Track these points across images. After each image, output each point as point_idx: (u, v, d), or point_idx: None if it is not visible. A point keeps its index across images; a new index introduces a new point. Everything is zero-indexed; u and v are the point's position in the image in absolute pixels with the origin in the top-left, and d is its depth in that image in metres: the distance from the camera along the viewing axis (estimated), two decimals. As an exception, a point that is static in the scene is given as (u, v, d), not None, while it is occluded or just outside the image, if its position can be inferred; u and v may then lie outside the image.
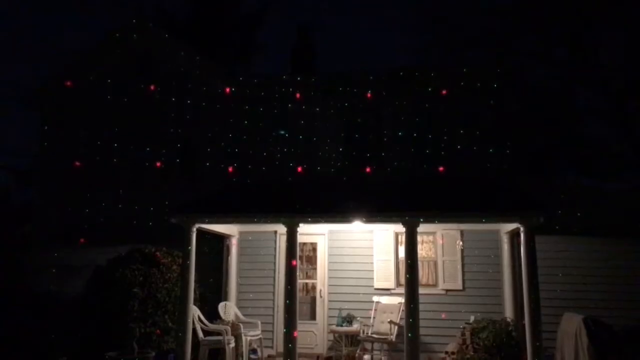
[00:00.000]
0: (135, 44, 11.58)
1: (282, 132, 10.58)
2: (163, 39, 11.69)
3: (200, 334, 8.18)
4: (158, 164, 10.83)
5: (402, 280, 8.08)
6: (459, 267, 9.12)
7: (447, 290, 9.08)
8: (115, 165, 11.04)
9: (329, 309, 9.38)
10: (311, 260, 9.84)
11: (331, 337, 9.15)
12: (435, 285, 9.18)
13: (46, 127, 11.76)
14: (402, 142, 10.20)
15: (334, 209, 7.72)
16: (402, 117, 10.28)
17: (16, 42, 49.59)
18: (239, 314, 9.22)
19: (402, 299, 7.85)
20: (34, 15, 52.37)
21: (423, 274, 9.13)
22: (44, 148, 11.81)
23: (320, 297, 9.54)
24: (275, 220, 7.88)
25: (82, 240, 10.31)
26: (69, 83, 11.48)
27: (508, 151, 9.96)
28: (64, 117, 11.60)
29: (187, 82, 11.10)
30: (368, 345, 8.61)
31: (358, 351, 8.61)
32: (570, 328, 7.20)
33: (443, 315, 8.75)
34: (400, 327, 8.10)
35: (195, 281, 8.05)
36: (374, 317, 8.81)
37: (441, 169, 9.80)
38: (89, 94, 11.48)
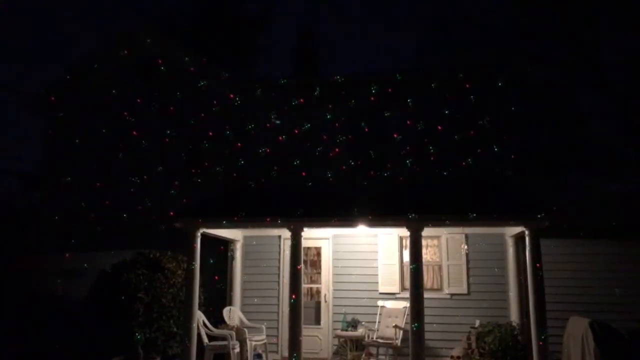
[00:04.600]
0: (139, 48, 11.61)
1: (286, 136, 10.56)
2: (167, 42, 11.73)
3: (205, 339, 8.18)
4: (163, 168, 10.86)
5: (407, 284, 8.09)
6: (464, 271, 9.10)
7: (452, 295, 9.05)
8: (120, 169, 11.06)
9: (334, 313, 9.37)
10: (315, 264, 9.83)
11: (336, 341, 9.12)
12: (440, 289, 9.16)
13: (51, 132, 11.81)
14: (406, 145, 10.16)
15: (338, 213, 7.71)
16: (406, 119, 10.25)
17: (20, 46, 49.82)
18: (244, 318, 9.22)
19: (407, 303, 7.82)
20: (37, 18, 52.59)
21: (428, 278, 9.11)
22: (48, 152, 11.87)
23: (325, 301, 9.52)
24: (279, 224, 7.88)
25: (86, 245, 10.32)
26: (73, 87, 11.52)
27: (512, 153, 9.92)
28: (69, 121, 11.63)
29: (191, 85, 11.12)
30: (373, 350, 8.60)
31: (363, 355, 8.59)
32: (577, 332, 7.17)
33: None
34: (405, 331, 8.08)
35: (200, 286, 8.07)
36: (378, 322, 8.80)
37: (445, 172, 9.77)
38: (93, 98, 11.50)
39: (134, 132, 11.13)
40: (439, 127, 9.98)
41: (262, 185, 10.25)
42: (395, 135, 10.29)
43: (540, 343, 6.82)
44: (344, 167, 10.28)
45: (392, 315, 8.69)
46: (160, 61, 11.37)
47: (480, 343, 7.93)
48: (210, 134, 10.85)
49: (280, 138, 10.52)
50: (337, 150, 10.39)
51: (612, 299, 8.32)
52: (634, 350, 6.84)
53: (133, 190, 10.85)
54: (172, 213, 8.33)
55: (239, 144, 10.63)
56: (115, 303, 7.94)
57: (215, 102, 10.91)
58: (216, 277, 9.55)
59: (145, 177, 10.92)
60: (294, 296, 7.49)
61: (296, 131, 10.48)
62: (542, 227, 7.14)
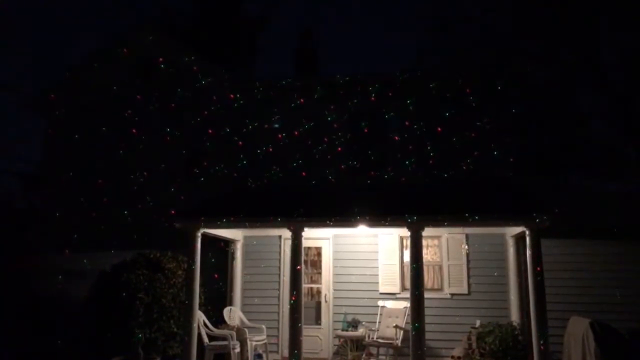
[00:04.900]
0: (139, 48, 11.61)
1: (286, 136, 10.56)
2: (167, 42, 11.73)
3: (206, 339, 8.17)
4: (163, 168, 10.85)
5: (408, 284, 8.08)
6: (465, 271, 9.09)
7: (452, 295, 9.05)
8: (120, 169, 11.05)
9: (334, 313, 9.36)
10: (316, 264, 9.83)
11: (336, 341, 9.12)
12: (440, 289, 9.16)
13: (51, 131, 11.80)
14: (406, 145, 10.17)
15: (339, 213, 7.70)
16: (406, 119, 10.26)
17: (20, 46, 49.82)
18: (244, 318, 9.21)
19: (407, 303, 7.81)
20: (37, 18, 52.58)
21: (428, 278, 9.11)
22: (48, 152, 11.86)
23: (325, 301, 9.52)
24: (280, 224, 7.87)
25: (86, 245, 10.32)
26: (73, 87, 11.51)
27: (512, 153, 9.91)
28: (69, 121, 11.63)
29: (191, 85, 11.12)
30: (373, 350, 8.59)
31: (363, 356, 8.58)
32: (578, 332, 7.17)
33: None
34: (405, 331, 8.08)
35: (200, 286, 8.05)
36: (379, 322, 8.79)
37: (446, 172, 9.77)
38: (93, 97, 11.50)
39: (134, 132, 11.12)
40: (439, 127, 9.97)
41: (262, 185, 10.24)
42: (395, 137, 10.28)
43: (541, 343, 6.81)
44: (344, 167, 10.29)
45: (392, 316, 8.69)
46: (160, 61, 11.36)
47: (481, 343, 7.93)
48: (210, 132, 10.84)
49: (281, 138, 10.52)
50: (337, 150, 10.39)
51: (612, 299, 8.30)
52: (634, 350, 6.84)
53: (133, 190, 10.84)
54: (172, 212, 8.33)
55: (240, 144, 10.62)
56: (116, 303, 7.93)
57: (215, 101, 10.90)
58: (216, 277, 9.55)
59: (145, 176, 10.91)
60: (294, 296, 7.49)
61: (296, 131, 10.48)
62: (542, 227, 7.13)
